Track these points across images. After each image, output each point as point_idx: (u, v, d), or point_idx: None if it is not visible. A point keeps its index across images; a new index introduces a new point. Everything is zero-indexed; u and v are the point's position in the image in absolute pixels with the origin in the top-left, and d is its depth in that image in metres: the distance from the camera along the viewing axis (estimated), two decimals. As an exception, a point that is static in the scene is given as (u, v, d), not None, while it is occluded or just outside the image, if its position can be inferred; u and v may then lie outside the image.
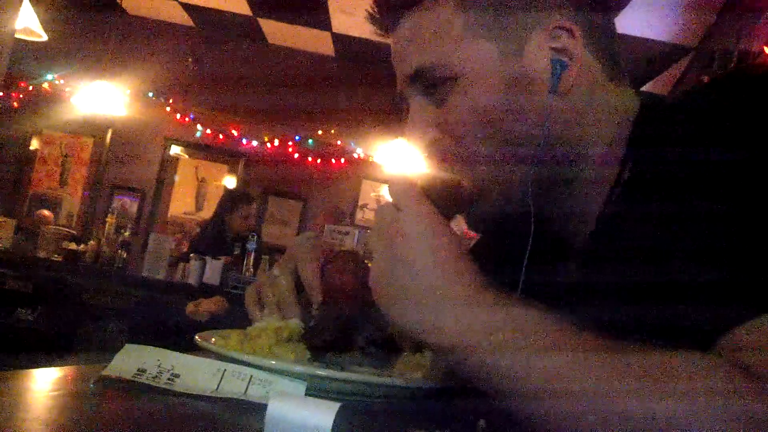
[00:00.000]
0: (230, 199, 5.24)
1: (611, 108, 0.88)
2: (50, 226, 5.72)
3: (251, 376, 0.75)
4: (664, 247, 0.68)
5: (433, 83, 0.88)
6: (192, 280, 4.48)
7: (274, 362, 0.77)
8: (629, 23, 5.55)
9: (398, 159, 7.06)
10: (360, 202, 7.67)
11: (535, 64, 0.85)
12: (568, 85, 0.85)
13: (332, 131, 7.49)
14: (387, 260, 0.74)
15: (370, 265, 0.80)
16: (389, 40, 0.95)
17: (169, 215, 7.66)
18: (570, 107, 0.86)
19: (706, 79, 4.15)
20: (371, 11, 0.95)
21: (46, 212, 6.77)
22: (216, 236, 4.94)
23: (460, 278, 0.72)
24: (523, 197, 0.86)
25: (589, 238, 0.85)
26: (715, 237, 0.64)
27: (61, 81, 7.28)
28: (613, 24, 0.94)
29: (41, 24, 5.18)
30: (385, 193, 7.59)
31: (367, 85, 7.29)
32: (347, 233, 4.55)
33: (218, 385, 0.73)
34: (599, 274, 0.76)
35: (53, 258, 4.83)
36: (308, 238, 1.00)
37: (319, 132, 7.51)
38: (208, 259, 4.50)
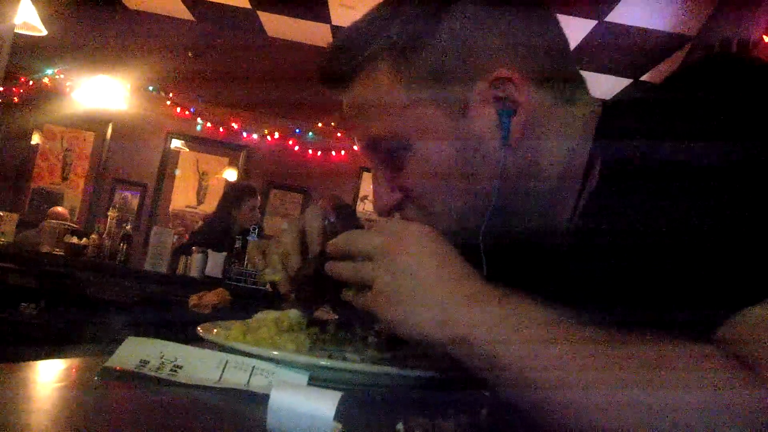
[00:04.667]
0: (236, 193, 5.20)
1: (568, 126, 0.88)
2: (53, 221, 5.71)
3: (254, 367, 0.75)
4: (654, 240, 0.68)
5: (388, 151, 0.89)
6: (194, 273, 4.48)
7: (276, 352, 0.78)
8: (629, 13, 5.54)
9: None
10: (360, 194, 7.67)
11: (482, 119, 0.85)
12: (518, 131, 0.84)
13: (332, 124, 7.47)
14: (390, 273, 0.76)
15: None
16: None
17: (170, 209, 7.65)
18: (525, 148, 0.86)
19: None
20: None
21: (59, 209, 6.69)
22: (223, 231, 4.91)
23: (467, 278, 0.75)
24: (482, 234, 0.87)
25: (574, 237, 0.85)
26: (706, 228, 0.64)
27: (62, 76, 7.26)
28: (561, 35, 0.91)
29: (41, 19, 5.17)
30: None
31: (368, 77, 7.26)
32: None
33: (221, 376, 0.74)
34: (592, 270, 0.76)
35: (56, 252, 4.83)
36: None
37: (319, 124, 7.50)
38: (210, 252, 4.49)
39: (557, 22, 0.91)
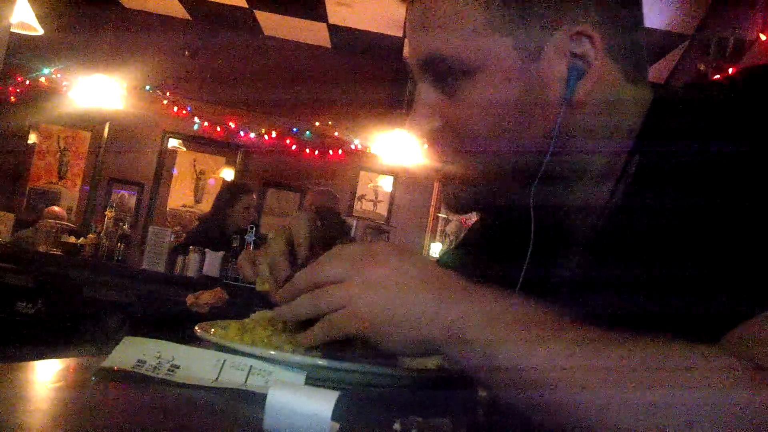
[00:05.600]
0: (230, 192, 5.19)
1: (624, 107, 0.84)
2: (50, 220, 5.70)
3: (251, 366, 0.75)
4: (672, 241, 0.68)
5: (445, 74, 0.84)
6: (191, 273, 4.48)
7: (273, 352, 0.78)
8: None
9: (395, 150, 7.05)
10: (358, 193, 7.67)
11: (553, 68, 0.81)
12: (583, 94, 0.80)
13: (329, 123, 7.47)
14: (367, 289, 0.73)
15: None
16: (405, 9, 0.90)
17: (167, 208, 7.65)
18: (582, 115, 0.82)
19: (702, 67, 4.15)
20: None
21: (56, 209, 6.69)
22: (218, 230, 4.91)
23: (452, 277, 0.74)
24: (523, 196, 0.84)
25: (597, 232, 0.83)
26: (723, 231, 0.64)
27: (58, 75, 7.25)
28: (640, 13, 0.87)
29: (37, 18, 5.16)
30: (382, 184, 7.59)
31: (364, 76, 7.29)
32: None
33: (218, 376, 0.73)
34: (607, 266, 0.75)
35: (53, 252, 4.83)
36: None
37: (317, 123, 7.50)
38: (207, 251, 4.49)
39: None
